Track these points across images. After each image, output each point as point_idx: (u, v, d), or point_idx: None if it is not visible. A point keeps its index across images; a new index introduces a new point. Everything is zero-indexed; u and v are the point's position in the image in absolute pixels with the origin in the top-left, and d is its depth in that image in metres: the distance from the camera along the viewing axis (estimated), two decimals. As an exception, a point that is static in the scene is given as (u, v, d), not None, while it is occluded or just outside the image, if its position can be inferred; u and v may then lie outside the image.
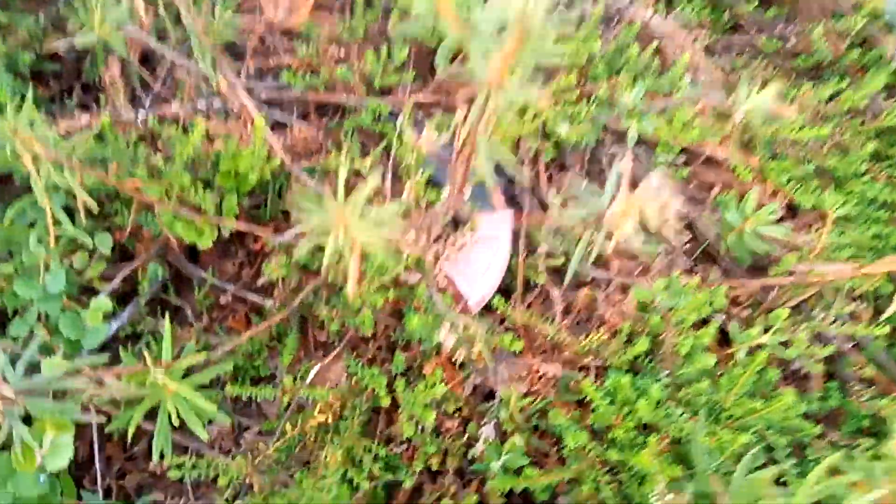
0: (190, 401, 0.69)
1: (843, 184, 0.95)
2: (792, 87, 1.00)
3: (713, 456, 0.70)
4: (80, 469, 0.90)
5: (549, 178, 0.94)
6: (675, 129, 0.87)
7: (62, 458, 0.58)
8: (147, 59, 0.95)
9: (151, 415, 0.88)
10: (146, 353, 0.68)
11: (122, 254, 0.91)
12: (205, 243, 0.78)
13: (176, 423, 0.68)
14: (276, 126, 0.89)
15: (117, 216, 0.83)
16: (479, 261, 0.84)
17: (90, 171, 0.72)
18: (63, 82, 0.95)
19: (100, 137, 0.75)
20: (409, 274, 0.77)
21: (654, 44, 0.93)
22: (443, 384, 0.76)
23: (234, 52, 0.94)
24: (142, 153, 0.78)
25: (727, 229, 0.86)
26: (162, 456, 0.69)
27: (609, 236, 0.40)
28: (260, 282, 0.90)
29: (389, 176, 0.91)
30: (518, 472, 0.77)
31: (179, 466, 0.78)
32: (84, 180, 0.74)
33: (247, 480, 0.79)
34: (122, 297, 0.90)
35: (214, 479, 0.89)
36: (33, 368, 0.59)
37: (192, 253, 0.95)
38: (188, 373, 0.76)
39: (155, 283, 0.87)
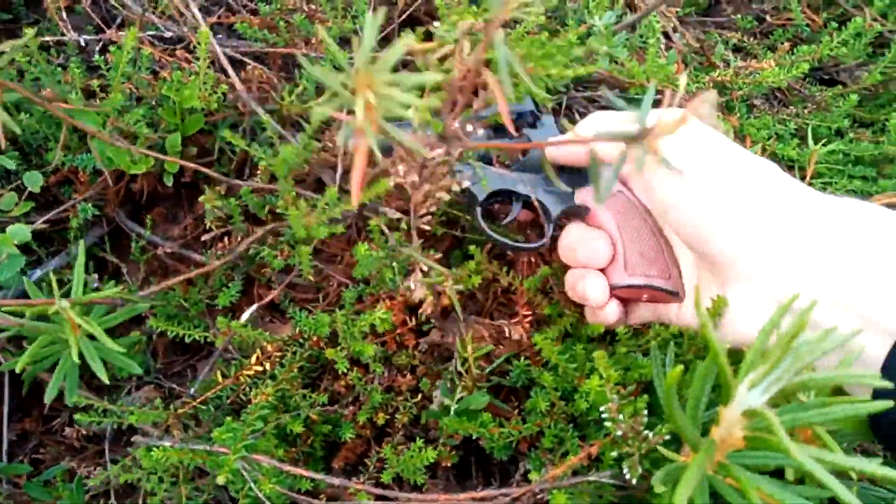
0: (97, 340, 0.62)
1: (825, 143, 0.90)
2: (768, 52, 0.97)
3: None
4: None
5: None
6: (650, 70, 0.83)
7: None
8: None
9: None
10: (54, 284, 0.61)
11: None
12: (138, 169, 0.73)
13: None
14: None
15: (49, 153, 0.78)
16: None
17: (15, 88, 0.67)
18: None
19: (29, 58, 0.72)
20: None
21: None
22: (388, 313, 0.67)
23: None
24: (78, 76, 0.74)
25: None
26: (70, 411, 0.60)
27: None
28: (204, 238, 0.84)
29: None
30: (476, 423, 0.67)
31: (86, 409, 0.68)
32: (4, 98, 0.69)
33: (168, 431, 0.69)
34: (54, 254, 0.84)
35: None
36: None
37: (134, 214, 0.89)
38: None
39: (89, 231, 0.81)
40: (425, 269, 0.64)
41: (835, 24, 1.01)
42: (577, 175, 0.64)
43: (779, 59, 0.90)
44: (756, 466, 0.39)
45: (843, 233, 0.49)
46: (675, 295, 0.62)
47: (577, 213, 0.66)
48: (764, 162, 0.54)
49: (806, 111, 0.93)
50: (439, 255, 0.64)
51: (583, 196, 0.65)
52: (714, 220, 0.53)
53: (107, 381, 0.62)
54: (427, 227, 0.61)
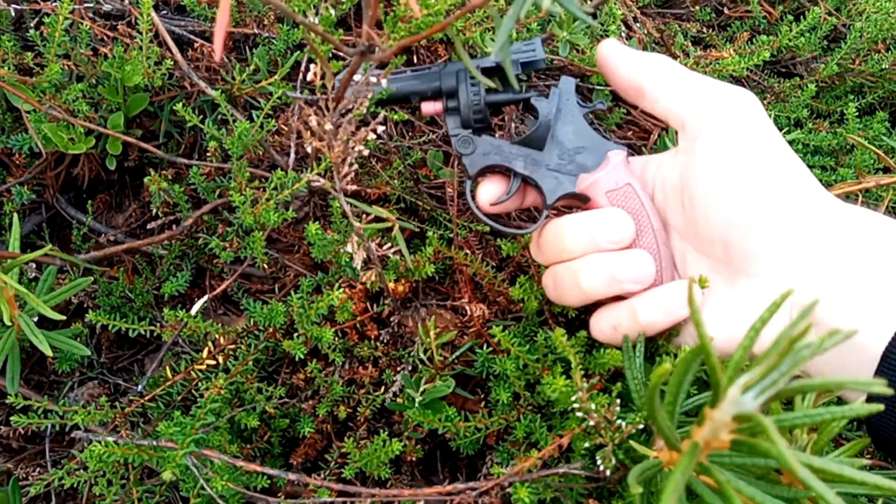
0: (33, 308, 0.58)
1: (785, 134, 0.91)
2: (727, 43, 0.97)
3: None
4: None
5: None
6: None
7: None
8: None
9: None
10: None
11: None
12: (77, 149, 0.68)
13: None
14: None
15: (-19, 131, 0.72)
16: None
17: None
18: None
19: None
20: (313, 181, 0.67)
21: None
22: (343, 295, 0.64)
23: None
24: (10, 49, 0.69)
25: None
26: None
27: None
28: (151, 226, 0.80)
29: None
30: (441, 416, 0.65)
31: (25, 410, 0.63)
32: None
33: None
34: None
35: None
36: None
37: (76, 201, 0.84)
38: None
39: (26, 217, 0.75)
40: (362, 232, 0.61)
41: (791, 17, 1.02)
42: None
43: (738, 49, 0.90)
44: (734, 465, 0.37)
45: (856, 239, 0.51)
46: None
47: (577, 201, 0.61)
48: (797, 161, 0.55)
49: (765, 102, 0.94)
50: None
51: (585, 184, 0.59)
52: (745, 214, 0.53)
53: (50, 354, 0.57)
54: (353, 187, 0.57)
